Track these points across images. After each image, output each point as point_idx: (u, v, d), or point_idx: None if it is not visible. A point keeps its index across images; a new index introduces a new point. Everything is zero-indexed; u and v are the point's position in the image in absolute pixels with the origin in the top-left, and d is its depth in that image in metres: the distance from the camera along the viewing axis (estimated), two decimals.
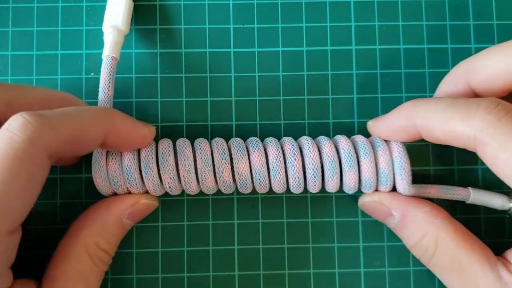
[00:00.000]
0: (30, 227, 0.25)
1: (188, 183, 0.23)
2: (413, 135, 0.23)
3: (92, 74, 0.27)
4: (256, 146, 0.23)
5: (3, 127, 0.18)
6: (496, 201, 0.24)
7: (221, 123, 0.27)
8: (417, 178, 0.26)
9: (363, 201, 0.25)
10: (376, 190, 0.24)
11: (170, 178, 0.23)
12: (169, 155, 0.23)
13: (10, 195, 0.17)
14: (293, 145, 0.23)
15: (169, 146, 0.23)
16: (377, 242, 0.26)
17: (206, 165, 0.23)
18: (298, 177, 0.23)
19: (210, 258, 0.26)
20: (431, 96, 0.27)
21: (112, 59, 0.24)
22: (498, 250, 0.22)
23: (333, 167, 0.23)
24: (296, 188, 0.24)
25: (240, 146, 0.23)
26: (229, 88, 0.27)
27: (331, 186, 0.24)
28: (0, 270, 0.19)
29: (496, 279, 0.20)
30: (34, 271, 0.23)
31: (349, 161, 0.23)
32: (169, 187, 0.23)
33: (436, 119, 0.21)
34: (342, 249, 0.26)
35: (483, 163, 0.23)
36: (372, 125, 0.25)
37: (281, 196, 0.26)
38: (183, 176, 0.23)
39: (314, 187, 0.24)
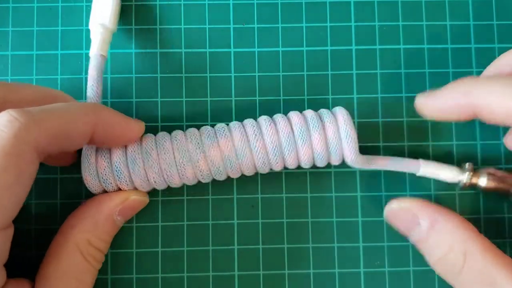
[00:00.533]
0: (30, 227, 0.25)
1: (170, 176, 0.23)
2: (467, 115, 0.22)
3: None
4: (223, 133, 0.23)
5: None
6: (447, 173, 0.24)
7: (221, 123, 0.27)
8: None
9: (390, 207, 0.24)
10: (330, 166, 0.24)
11: (155, 173, 0.23)
12: (152, 149, 0.23)
13: None
14: (253, 126, 0.23)
15: (151, 141, 0.23)
16: (377, 242, 0.26)
17: (183, 157, 0.23)
18: (262, 157, 0.23)
19: (210, 258, 0.26)
20: None
21: (101, 57, 0.24)
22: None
23: (289, 144, 0.23)
24: (262, 168, 0.24)
25: (210, 134, 0.23)
26: (229, 88, 0.27)
27: (290, 162, 0.23)
28: None
29: None
30: (34, 271, 0.23)
31: (302, 136, 0.23)
32: (155, 182, 0.23)
33: (497, 96, 0.20)
34: (342, 249, 0.26)
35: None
36: (424, 101, 0.23)
37: (281, 196, 0.26)
38: (164, 169, 0.23)
39: (276, 165, 0.24)
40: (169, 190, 0.25)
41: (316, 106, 0.27)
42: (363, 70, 0.27)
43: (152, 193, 0.26)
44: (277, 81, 0.27)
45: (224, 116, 0.27)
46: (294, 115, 0.24)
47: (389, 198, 0.26)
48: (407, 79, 0.27)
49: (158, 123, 0.26)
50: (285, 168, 0.24)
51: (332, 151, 0.23)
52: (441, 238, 0.22)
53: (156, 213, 0.26)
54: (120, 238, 0.25)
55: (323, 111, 0.24)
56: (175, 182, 0.24)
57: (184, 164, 0.23)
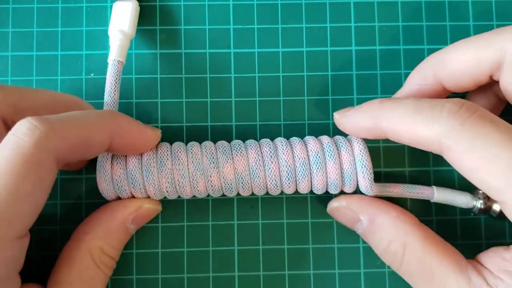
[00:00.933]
0: (30, 228, 0.25)
1: (182, 187, 0.23)
2: (379, 135, 0.22)
3: (92, 75, 0.27)
4: (239, 150, 0.23)
5: (10, 132, 0.18)
6: (460, 199, 0.24)
7: (221, 124, 0.27)
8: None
9: (331, 206, 0.25)
10: (342, 192, 0.24)
11: (168, 183, 0.23)
12: (167, 159, 0.23)
13: (18, 199, 0.17)
14: (270, 147, 0.23)
15: (167, 151, 0.23)
16: None
17: (197, 169, 0.23)
18: (275, 180, 0.23)
19: (210, 258, 0.26)
20: None
21: (119, 63, 0.24)
22: (474, 252, 0.22)
23: (304, 169, 0.23)
24: (273, 190, 0.24)
25: (225, 150, 0.23)
26: (229, 88, 0.27)
27: (303, 187, 0.24)
28: (8, 275, 0.19)
29: (466, 283, 0.20)
30: (35, 272, 0.23)
31: (317, 163, 0.23)
32: (167, 191, 0.23)
33: (402, 123, 0.21)
34: (342, 250, 0.26)
35: None
36: (339, 120, 0.24)
37: (281, 196, 0.26)
38: (178, 180, 0.23)
39: (288, 188, 0.24)
40: None
41: (316, 106, 0.27)
42: (363, 70, 0.27)
43: None
44: (277, 82, 0.27)
45: (224, 117, 0.27)
46: (310, 140, 0.24)
47: (389, 199, 0.26)
48: None
49: (158, 124, 0.26)
50: (296, 192, 0.24)
51: (346, 180, 0.23)
52: (381, 231, 0.23)
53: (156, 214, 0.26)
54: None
55: (339, 138, 0.24)
56: (187, 193, 0.24)
57: (197, 177, 0.23)
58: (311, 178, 0.23)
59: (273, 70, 0.27)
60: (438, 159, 0.26)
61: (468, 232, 0.26)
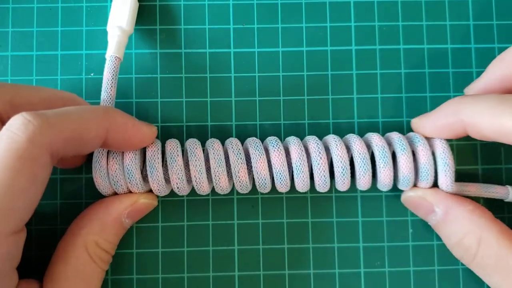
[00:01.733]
0: (31, 227, 0.25)
1: (200, 183, 0.23)
2: (459, 132, 0.22)
3: (92, 74, 0.27)
4: (276, 145, 0.23)
5: (4, 127, 0.18)
6: None
7: (221, 123, 0.27)
8: (464, 177, 0.26)
9: (406, 195, 0.25)
10: (415, 186, 0.24)
11: (179, 179, 0.23)
12: (178, 155, 0.23)
13: (13, 195, 0.17)
14: (318, 143, 0.23)
15: (177, 146, 0.23)
16: (377, 242, 0.26)
17: (219, 165, 0.23)
18: (324, 176, 0.23)
19: (210, 258, 0.26)
20: (431, 96, 0.27)
21: (116, 59, 0.24)
22: None
23: (364, 164, 0.23)
24: (322, 186, 0.24)
25: (257, 146, 0.23)
26: (229, 88, 0.27)
27: (363, 183, 0.24)
28: (5, 271, 0.19)
29: None
30: (35, 271, 0.23)
31: (384, 158, 0.23)
32: (177, 188, 0.23)
33: (485, 115, 0.21)
34: (342, 249, 0.26)
35: None
36: (418, 123, 0.24)
37: (281, 196, 0.26)
38: (195, 176, 0.23)
39: (343, 185, 0.24)
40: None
41: (316, 106, 0.27)
42: (363, 70, 0.27)
43: None
44: (277, 81, 0.27)
45: (224, 116, 0.27)
46: (374, 135, 0.24)
47: (389, 198, 0.26)
48: (407, 79, 0.27)
49: (158, 124, 0.26)
50: (353, 190, 0.25)
51: (422, 176, 0.23)
52: (456, 224, 0.23)
53: (156, 213, 0.26)
54: (121, 238, 0.25)
55: (413, 134, 0.24)
56: (204, 190, 0.24)
57: (219, 173, 0.23)
58: (374, 173, 0.23)
59: (273, 70, 0.27)
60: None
61: None
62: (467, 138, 0.24)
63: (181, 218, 0.26)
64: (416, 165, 0.23)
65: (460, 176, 0.26)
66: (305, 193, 0.26)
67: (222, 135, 0.26)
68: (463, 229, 0.22)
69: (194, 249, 0.26)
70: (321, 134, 0.25)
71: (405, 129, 0.27)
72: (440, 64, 0.27)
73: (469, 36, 0.27)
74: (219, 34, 0.27)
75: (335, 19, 0.27)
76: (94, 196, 0.26)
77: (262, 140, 0.25)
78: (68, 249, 0.22)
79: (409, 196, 0.25)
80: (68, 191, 0.26)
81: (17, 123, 0.18)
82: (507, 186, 0.25)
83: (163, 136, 0.26)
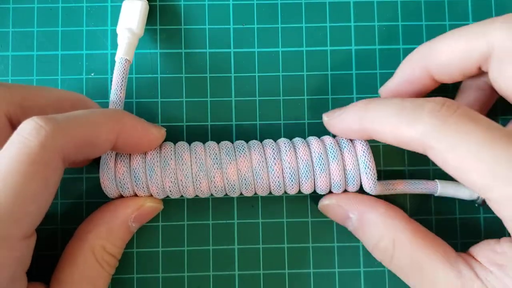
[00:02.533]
0: None
1: (185, 187, 0.23)
2: (365, 136, 0.23)
3: (92, 74, 0.27)
4: (242, 151, 0.23)
5: (15, 132, 0.18)
6: (464, 191, 0.24)
7: (221, 123, 0.27)
8: (393, 178, 0.26)
9: (322, 203, 0.25)
10: (345, 190, 0.24)
11: (171, 182, 0.23)
12: (171, 159, 0.23)
13: (25, 199, 0.18)
14: (273, 148, 0.24)
15: (171, 150, 0.23)
16: None
17: (200, 170, 0.23)
18: (279, 181, 0.23)
19: (210, 258, 0.26)
20: (430, 96, 0.27)
21: (126, 61, 0.24)
22: None
23: (307, 171, 0.23)
24: (276, 191, 0.24)
25: (229, 151, 0.24)
26: (229, 88, 0.27)
27: (306, 188, 0.24)
28: (16, 275, 0.19)
29: (456, 276, 0.20)
30: (35, 271, 0.23)
31: (321, 165, 0.23)
32: (170, 191, 0.23)
33: (386, 124, 0.21)
34: (342, 249, 0.26)
35: None
36: (327, 122, 0.24)
37: (281, 196, 0.26)
38: (181, 180, 0.23)
39: (291, 189, 0.24)
40: None
41: (315, 106, 0.27)
42: (363, 70, 0.27)
43: None
44: (277, 81, 0.27)
45: (224, 116, 0.27)
46: (313, 141, 0.24)
47: (389, 196, 0.26)
48: None
49: (158, 123, 0.27)
50: (299, 192, 0.24)
51: (350, 180, 0.23)
52: (371, 228, 0.23)
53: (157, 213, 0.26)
54: None
55: (342, 139, 0.24)
56: (189, 193, 0.24)
57: (200, 178, 0.23)
58: (314, 179, 0.23)
59: (273, 70, 0.27)
60: None
61: (467, 230, 0.26)
62: None
63: (182, 218, 0.26)
64: (344, 171, 0.23)
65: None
66: (307, 193, 0.26)
67: (222, 135, 0.26)
68: (378, 233, 0.22)
69: (195, 249, 0.26)
70: (321, 134, 0.25)
71: None
72: None
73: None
74: (219, 34, 0.27)
75: (335, 19, 0.27)
76: (95, 196, 0.26)
77: (262, 139, 0.25)
78: (75, 253, 0.22)
79: (324, 205, 0.25)
80: (69, 191, 0.26)
81: (29, 128, 0.18)
82: (436, 180, 0.25)
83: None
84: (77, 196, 0.26)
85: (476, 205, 0.25)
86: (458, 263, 0.20)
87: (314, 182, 0.24)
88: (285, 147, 0.24)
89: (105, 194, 0.24)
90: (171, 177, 0.23)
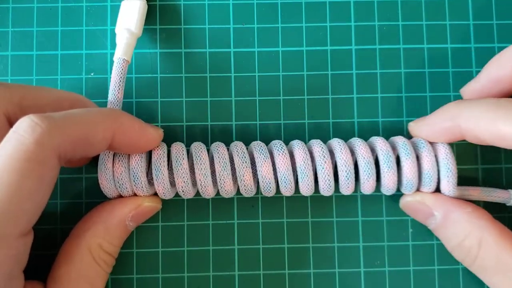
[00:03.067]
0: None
1: (205, 186, 0.23)
2: (456, 137, 0.22)
3: (92, 74, 0.27)
4: (281, 149, 0.23)
5: (11, 129, 0.18)
6: None
7: (221, 123, 0.27)
8: (463, 178, 0.26)
9: (405, 200, 0.25)
10: (418, 191, 0.24)
11: (184, 182, 0.23)
12: (183, 158, 0.23)
13: (21, 197, 0.17)
14: (322, 147, 0.23)
15: (182, 150, 0.23)
16: (377, 242, 0.26)
17: (224, 169, 0.23)
18: (329, 180, 0.23)
19: (210, 258, 0.26)
20: (431, 95, 0.27)
21: (124, 62, 0.24)
22: None
23: (369, 169, 0.23)
24: (326, 190, 0.24)
25: (262, 149, 0.23)
26: (229, 88, 0.27)
27: (367, 187, 0.24)
28: (13, 273, 0.19)
29: None
30: (35, 271, 0.23)
31: (388, 162, 0.23)
32: (183, 191, 0.23)
33: (482, 120, 0.21)
34: (342, 249, 0.26)
35: None
36: (414, 126, 0.24)
37: (281, 196, 0.26)
38: (200, 180, 0.23)
39: (347, 189, 0.23)
40: None
41: (315, 106, 0.27)
42: (363, 70, 0.27)
43: None
44: (277, 81, 0.27)
45: (224, 116, 0.27)
46: (379, 139, 0.24)
47: (388, 197, 0.26)
48: (407, 79, 0.27)
49: (158, 123, 0.26)
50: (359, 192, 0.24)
51: (425, 181, 0.23)
52: (456, 227, 0.23)
53: (156, 213, 0.26)
54: None
55: (418, 140, 0.24)
56: (208, 193, 0.24)
57: (224, 177, 0.23)
58: (378, 177, 0.23)
59: (273, 70, 0.27)
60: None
61: None
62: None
63: (181, 218, 0.26)
64: (420, 170, 0.23)
65: (460, 177, 0.26)
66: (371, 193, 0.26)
67: (222, 135, 0.26)
68: (464, 231, 0.22)
69: (194, 249, 0.26)
70: (321, 134, 0.25)
71: (404, 129, 0.27)
72: (440, 63, 0.27)
73: (469, 36, 0.27)
74: (219, 34, 0.27)
75: (335, 19, 0.27)
76: (95, 196, 0.26)
77: (265, 141, 0.25)
78: (72, 251, 0.22)
79: (407, 201, 0.25)
80: (68, 190, 0.26)
81: (25, 126, 0.18)
82: (509, 190, 0.25)
83: (164, 136, 0.26)
84: (76, 195, 0.26)
85: None
86: None
87: (379, 180, 0.23)
88: (339, 145, 0.23)
89: (104, 194, 0.24)
90: (184, 176, 0.23)
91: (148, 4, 0.27)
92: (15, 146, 0.17)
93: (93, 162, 0.26)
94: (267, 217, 0.26)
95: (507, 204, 0.25)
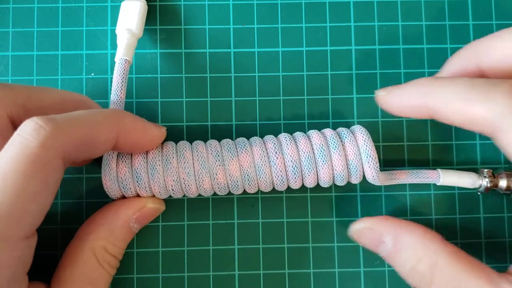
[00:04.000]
0: None
1: (188, 185, 0.23)
2: (426, 115, 0.21)
3: (92, 74, 0.27)
4: (244, 147, 0.23)
5: (15, 132, 0.18)
6: (466, 179, 0.25)
7: (221, 123, 0.27)
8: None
9: (353, 228, 0.24)
10: (349, 182, 0.24)
11: (173, 181, 0.23)
12: (173, 158, 0.23)
13: (25, 199, 0.18)
14: (274, 143, 0.24)
15: (172, 149, 0.24)
16: None
17: (202, 167, 0.23)
18: (281, 175, 0.23)
19: (210, 258, 0.26)
20: None
21: (125, 62, 0.24)
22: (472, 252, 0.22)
23: (309, 163, 0.23)
24: (280, 185, 0.24)
25: (230, 148, 0.24)
26: (229, 88, 0.27)
27: (309, 181, 0.24)
28: (18, 275, 0.19)
29: None
30: (35, 271, 0.23)
31: (322, 156, 0.23)
32: (172, 190, 0.23)
33: (453, 101, 0.20)
34: (342, 249, 0.26)
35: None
36: (384, 97, 0.23)
37: (281, 195, 0.26)
38: (183, 178, 0.23)
39: (295, 183, 0.24)
40: None
41: (316, 106, 0.27)
42: (363, 70, 0.27)
43: None
44: (277, 81, 0.27)
45: (224, 116, 0.27)
46: (314, 133, 0.24)
47: (388, 197, 0.26)
48: (407, 79, 0.27)
49: (158, 123, 0.26)
50: (301, 187, 0.24)
51: (352, 171, 0.23)
52: (408, 251, 0.22)
53: None
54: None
55: (342, 130, 0.24)
56: (192, 192, 0.24)
57: (202, 175, 0.23)
58: (317, 171, 0.23)
59: (273, 70, 0.27)
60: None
61: (467, 231, 0.26)
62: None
63: (181, 218, 0.26)
64: (347, 161, 0.23)
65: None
66: (305, 192, 0.26)
67: (222, 135, 0.26)
68: (417, 255, 0.21)
69: (194, 249, 0.26)
70: None
71: (405, 128, 0.27)
72: (440, 63, 0.27)
73: (468, 36, 0.27)
74: (219, 34, 0.27)
75: (335, 19, 0.27)
76: (95, 196, 0.26)
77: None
78: (76, 253, 0.22)
79: (356, 230, 0.24)
80: (69, 191, 0.26)
81: (29, 128, 0.18)
82: (438, 169, 0.24)
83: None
84: (77, 196, 0.26)
85: (478, 193, 0.25)
86: (500, 283, 0.20)
87: (317, 174, 0.23)
88: (286, 141, 0.24)
89: (106, 194, 0.24)
90: (173, 175, 0.23)
91: (148, 5, 0.27)
92: (19, 149, 0.18)
93: (95, 161, 0.26)
94: (267, 217, 0.26)
95: (437, 184, 0.25)
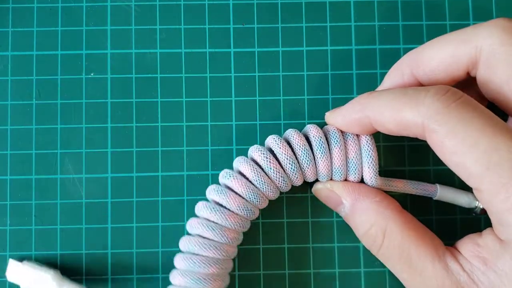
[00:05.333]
0: (31, 227, 0.25)
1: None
2: (368, 128, 0.23)
3: (92, 74, 0.27)
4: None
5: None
6: (463, 198, 0.25)
7: (221, 123, 0.27)
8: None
9: (316, 188, 0.25)
10: (346, 180, 0.24)
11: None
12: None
13: None
14: (262, 151, 0.23)
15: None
16: None
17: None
18: (281, 178, 0.23)
19: None
20: None
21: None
22: None
23: (306, 156, 0.23)
24: (283, 188, 0.24)
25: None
26: (229, 88, 0.27)
27: (309, 175, 0.24)
28: None
29: (444, 269, 0.20)
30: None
31: (321, 148, 0.23)
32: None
33: (387, 109, 0.21)
34: (342, 249, 0.26)
35: None
36: (329, 117, 0.24)
37: (281, 196, 0.26)
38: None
39: (296, 180, 0.24)
40: (169, 189, 0.26)
41: (315, 106, 0.27)
42: (363, 70, 0.27)
43: (152, 193, 0.26)
44: (277, 81, 0.27)
45: (224, 116, 0.27)
46: (312, 127, 0.24)
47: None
48: None
49: (158, 123, 0.26)
50: (305, 182, 0.24)
51: (350, 169, 0.24)
52: (362, 215, 0.23)
53: (157, 213, 0.26)
54: (121, 238, 0.26)
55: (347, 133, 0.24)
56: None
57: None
58: (315, 165, 0.23)
59: (273, 69, 0.27)
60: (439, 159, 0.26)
61: (467, 232, 0.26)
62: (395, 138, 0.25)
63: (181, 218, 0.26)
64: (346, 159, 0.24)
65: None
66: (306, 192, 0.26)
67: (222, 135, 0.26)
68: (369, 220, 0.23)
69: None
70: None
71: None
72: None
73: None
74: (219, 34, 0.27)
75: (335, 19, 0.27)
76: (95, 197, 0.26)
77: (262, 139, 0.25)
78: None
79: (318, 189, 0.25)
80: (69, 191, 0.26)
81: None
82: (436, 184, 0.25)
83: (162, 135, 0.26)
84: (76, 196, 0.26)
85: (474, 214, 0.25)
86: (446, 256, 0.21)
87: (316, 166, 0.23)
88: (275, 140, 0.23)
89: (106, 194, 0.24)
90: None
91: (147, 4, 0.27)
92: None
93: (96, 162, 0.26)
94: (267, 217, 0.26)
95: (434, 198, 0.25)
